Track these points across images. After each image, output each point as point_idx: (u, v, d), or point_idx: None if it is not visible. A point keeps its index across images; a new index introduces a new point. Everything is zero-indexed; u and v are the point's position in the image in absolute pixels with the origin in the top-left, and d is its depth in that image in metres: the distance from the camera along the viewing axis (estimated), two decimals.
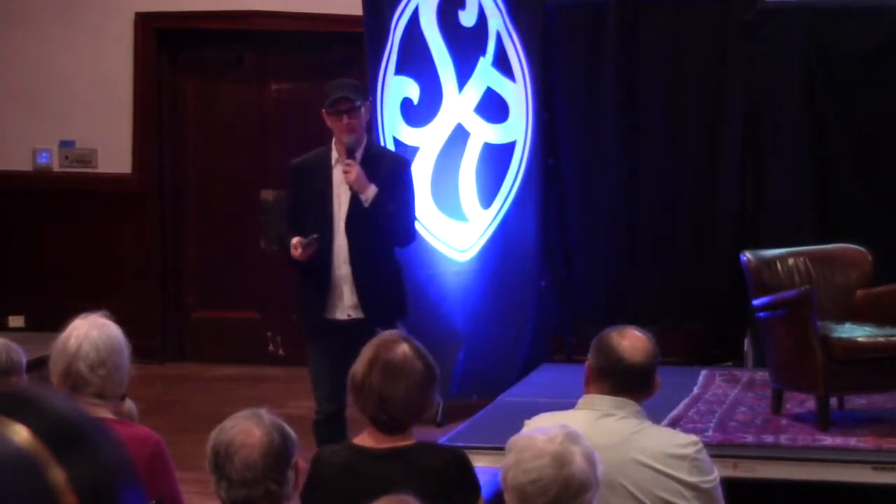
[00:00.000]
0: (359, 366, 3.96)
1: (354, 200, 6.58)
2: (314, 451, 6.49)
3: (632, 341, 4.24)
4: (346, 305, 6.59)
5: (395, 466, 3.89)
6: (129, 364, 4.20)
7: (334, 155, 6.67)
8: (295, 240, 6.46)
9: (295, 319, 7.04)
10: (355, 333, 6.37)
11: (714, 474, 4.14)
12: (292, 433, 3.41)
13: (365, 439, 4.01)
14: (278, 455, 3.32)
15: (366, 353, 3.98)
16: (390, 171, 6.71)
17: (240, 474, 3.30)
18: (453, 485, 3.92)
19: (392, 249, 6.82)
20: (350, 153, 6.55)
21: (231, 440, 3.34)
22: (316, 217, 6.62)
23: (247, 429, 3.35)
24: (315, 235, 6.47)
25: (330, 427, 6.52)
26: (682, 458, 4.08)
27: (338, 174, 6.62)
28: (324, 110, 6.64)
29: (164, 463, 4.17)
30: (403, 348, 3.95)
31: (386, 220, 6.61)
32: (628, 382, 4.19)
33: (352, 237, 6.58)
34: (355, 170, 6.50)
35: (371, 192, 6.54)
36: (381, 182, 6.60)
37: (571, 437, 3.31)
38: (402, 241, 6.87)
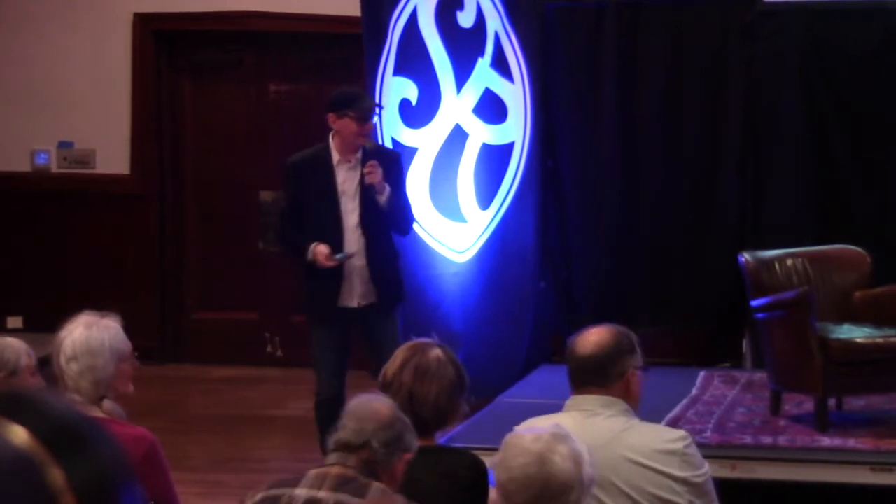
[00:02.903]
0: (391, 365, 4.04)
1: (367, 199, 7.03)
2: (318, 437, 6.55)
3: (585, 336, 4.27)
4: (357, 294, 7.07)
5: (413, 464, 3.92)
6: (111, 368, 4.21)
7: (335, 155, 7.06)
8: (324, 250, 6.91)
9: (302, 307, 7.46)
10: (364, 318, 7.10)
11: (704, 468, 4.14)
12: (414, 434, 3.58)
13: None
14: (391, 431, 3.48)
15: (399, 353, 4.06)
16: (388, 166, 7.12)
17: (351, 426, 3.48)
18: (467, 491, 3.95)
19: (392, 239, 7.32)
20: (368, 154, 7.05)
21: (359, 405, 3.55)
22: (321, 215, 7.04)
23: (378, 403, 3.58)
24: (350, 254, 6.98)
25: (331, 408, 6.60)
26: (671, 453, 4.08)
27: (341, 173, 7.05)
28: (340, 114, 7.02)
29: (159, 463, 4.18)
30: (437, 353, 4.05)
31: (398, 214, 7.15)
32: (582, 375, 4.21)
33: (366, 233, 7.06)
34: (379, 172, 6.96)
35: (388, 190, 7.03)
36: (384, 177, 7.04)
37: (558, 438, 3.36)
38: (407, 229, 7.46)
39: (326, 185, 7.03)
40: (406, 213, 7.30)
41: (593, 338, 4.26)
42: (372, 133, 7.19)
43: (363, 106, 7.13)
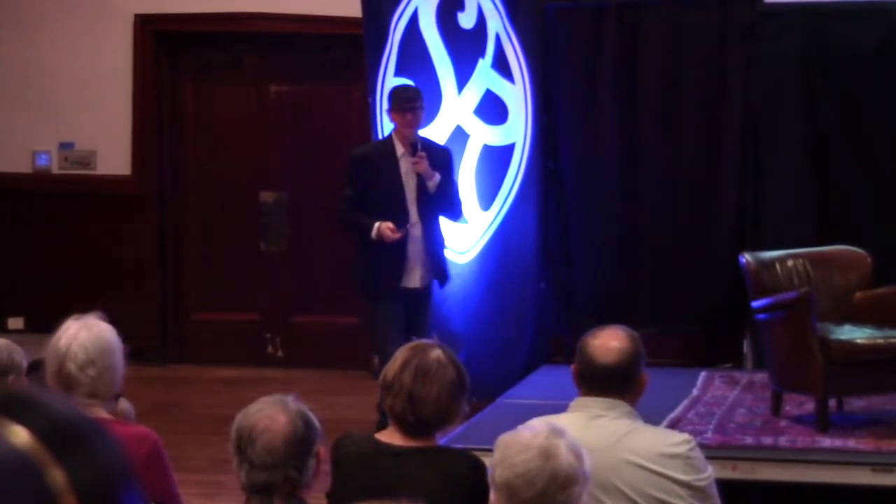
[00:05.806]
0: (391, 365, 4.03)
1: (422, 187, 7.77)
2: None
3: (604, 342, 4.21)
4: (419, 275, 7.83)
5: (414, 464, 3.94)
6: (122, 364, 4.20)
7: (399, 148, 7.79)
8: (386, 224, 7.60)
9: (361, 285, 8.05)
10: (423, 297, 7.88)
11: (708, 472, 4.13)
12: (316, 422, 3.45)
13: (388, 436, 4.04)
14: (300, 443, 3.37)
15: (400, 354, 4.05)
16: (438, 159, 7.86)
17: (261, 459, 3.35)
18: (467, 491, 3.95)
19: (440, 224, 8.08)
20: (414, 145, 7.75)
21: (255, 424, 3.39)
22: (388, 202, 7.76)
23: (271, 414, 3.41)
24: (410, 223, 7.70)
25: None
26: (675, 457, 4.07)
27: (405, 164, 7.77)
28: (390, 109, 7.87)
29: (162, 462, 4.17)
30: (437, 353, 4.04)
31: (446, 200, 7.87)
32: (603, 384, 4.16)
33: (423, 218, 7.81)
34: (425, 162, 7.71)
35: (437, 178, 7.78)
36: (435, 168, 7.77)
37: (556, 432, 3.32)
38: (458, 215, 8.18)
39: (392, 174, 7.77)
40: (455, 199, 8.00)
41: (613, 344, 4.19)
42: (417, 126, 7.85)
43: (400, 98, 7.86)
